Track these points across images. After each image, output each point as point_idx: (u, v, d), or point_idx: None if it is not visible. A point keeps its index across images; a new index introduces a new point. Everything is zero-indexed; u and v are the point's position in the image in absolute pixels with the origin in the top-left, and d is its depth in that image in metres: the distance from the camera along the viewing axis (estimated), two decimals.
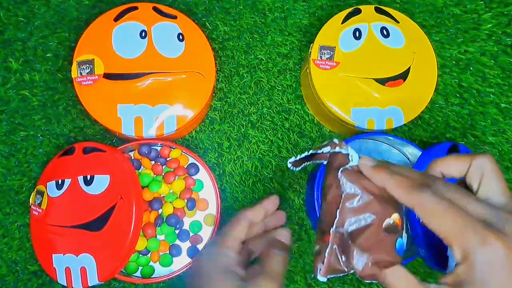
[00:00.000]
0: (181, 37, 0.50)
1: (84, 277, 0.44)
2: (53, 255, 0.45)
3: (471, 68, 0.56)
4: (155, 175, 0.50)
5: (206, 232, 0.50)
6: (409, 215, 0.42)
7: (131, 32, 0.49)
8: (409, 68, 0.50)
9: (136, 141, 0.49)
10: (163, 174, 0.50)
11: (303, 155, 0.35)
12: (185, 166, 0.51)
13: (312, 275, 0.51)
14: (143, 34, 0.49)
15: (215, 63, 0.50)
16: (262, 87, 0.55)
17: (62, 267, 0.44)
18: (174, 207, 0.49)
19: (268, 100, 0.55)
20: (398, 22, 0.52)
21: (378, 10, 0.52)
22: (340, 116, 0.49)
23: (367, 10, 0.52)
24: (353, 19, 0.51)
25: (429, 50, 0.51)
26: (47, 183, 0.46)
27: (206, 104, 0.50)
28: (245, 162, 0.53)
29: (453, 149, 0.50)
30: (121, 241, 0.43)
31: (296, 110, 0.54)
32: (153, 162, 0.51)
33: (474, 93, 0.56)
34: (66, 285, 0.44)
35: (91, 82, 0.48)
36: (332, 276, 0.31)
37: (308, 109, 0.55)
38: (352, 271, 0.31)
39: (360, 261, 0.30)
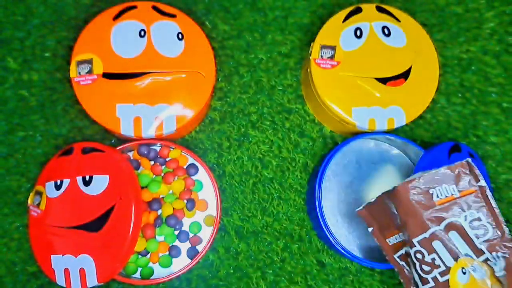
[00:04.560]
0: (180, 36, 0.49)
1: (83, 278, 0.43)
2: (52, 256, 0.44)
3: (473, 67, 0.56)
4: (154, 176, 0.50)
5: (206, 233, 0.49)
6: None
7: (130, 31, 0.49)
8: (411, 67, 0.50)
9: (135, 141, 0.48)
10: (162, 174, 0.50)
11: None
12: (185, 167, 0.50)
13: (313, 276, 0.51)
14: (142, 33, 0.49)
15: (215, 62, 0.50)
16: (262, 86, 0.54)
17: (61, 268, 0.44)
18: (173, 208, 0.49)
19: (269, 100, 0.54)
20: (399, 21, 0.51)
21: (380, 9, 0.52)
22: (341, 116, 0.49)
23: (368, 8, 0.51)
24: (354, 18, 0.51)
25: (431, 49, 0.51)
26: (46, 184, 0.46)
27: (206, 103, 0.49)
28: (245, 163, 0.53)
29: (455, 149, 0.50)
30: (120, 242, 0.43)
31: (297, 109, 0.54)
32: (152, 163, 0.50)
33: (476, 93, 0.55)
34: (65, 286, 0.44)
35: (90, 81, 0.47)
36: None
37: (309, 109, 0.54)
38: None
39: None
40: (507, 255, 0.34)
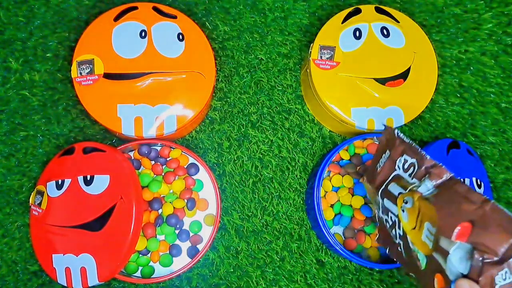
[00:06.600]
0: (181, 37, 0.50)
1: (84, 277, 0.44)
2: (53, 255, 0.45)
3: (472, 67, 0.56)
4: (155, 175, 0.50)
5: (206, 232, 0.50)
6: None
7: (131, 32, 0.49)
8: (410, 68, 0.50)
9: (136, 141, 0.49)
10: (163, 174, 0.50)
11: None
12: (185, 166, 0.51)
13: (312, 275, 0.51)
14: (143, 34, 0.49)
15: (215, 63, 0.50)
16: (262, 87, 0.55)
17: (62, 267, 0.44)
18: (174, 207, 0.49)
19: (268, 100, 0.54)
20: (398, 22, 0.52)
21: (378, 10, 0.52)
22: (340, 116, 0.49)
23: (367, 9, 0.52)
24: (353, 19, 0.51)
25: (430, 49, 0.51)
26: (47, 183, 0.46)
27: (206, 104, 0.50)
28: (245, 162, 0.53)
29: (453, 145, 0.50)
30: (121, 241, 0.43)
31: (296, 110, 0.54)
32: (153, 162, 0.51)
33: (475, 93, 0.56)
34: (66, 285, 0.44)
35: (91, 82, 0.48)
36: None
37: (308, 109, 0.55)
38: None
39: None
40: (431, 176, 0.35)
